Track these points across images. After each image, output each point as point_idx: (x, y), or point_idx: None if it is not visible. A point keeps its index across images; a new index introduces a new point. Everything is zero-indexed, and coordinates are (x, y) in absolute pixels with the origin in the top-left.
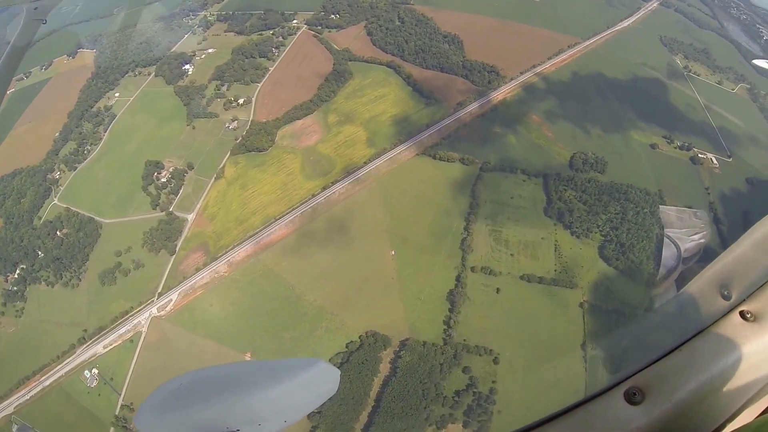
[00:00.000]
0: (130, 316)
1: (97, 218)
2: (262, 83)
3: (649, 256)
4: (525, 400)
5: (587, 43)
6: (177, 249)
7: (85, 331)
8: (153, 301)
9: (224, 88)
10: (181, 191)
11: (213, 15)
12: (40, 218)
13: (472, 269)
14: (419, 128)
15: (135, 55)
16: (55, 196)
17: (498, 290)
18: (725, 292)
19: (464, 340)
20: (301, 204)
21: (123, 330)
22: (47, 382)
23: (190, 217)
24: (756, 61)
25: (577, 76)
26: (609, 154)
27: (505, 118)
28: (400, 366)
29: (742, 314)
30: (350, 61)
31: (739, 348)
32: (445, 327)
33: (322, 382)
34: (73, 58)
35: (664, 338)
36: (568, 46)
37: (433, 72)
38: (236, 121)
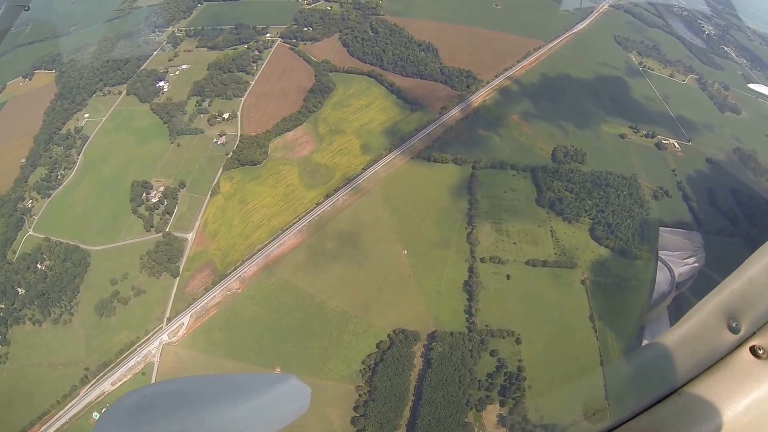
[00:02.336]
0: (138, 347)
1: (83, 246)
2: (245, 97)
3: (634, 233)
4: (550, 372)
5: (550, 45)
6: (180, 270)
7: (87, 369)
8: (162, 327)
9: (206, 104)
10: (176, 210)
11: (181, 31)
12: (14, 252)
13: (482, 260)
14: (409, 133)
15: (102, 73)
16: (30, 227)
17: (508, 277)
18: (733, 324)
19: (486, 325)
20: (307, 213)
21: (132, 363)
22: (51, 431)
23: (190, 236)
24: (752, 86)
25: (546, 78)
26: (585, 146)
27: (487, 119)
28: (434, 357)
29: (752, 350)
30: (331, 72)
31: (751, 391)
32: (467, 316)
33: (292, 399)
34: (30, 79)
35: (660, 379)
36: (534, 49)
37: (414, 79)
38: (224, 136)
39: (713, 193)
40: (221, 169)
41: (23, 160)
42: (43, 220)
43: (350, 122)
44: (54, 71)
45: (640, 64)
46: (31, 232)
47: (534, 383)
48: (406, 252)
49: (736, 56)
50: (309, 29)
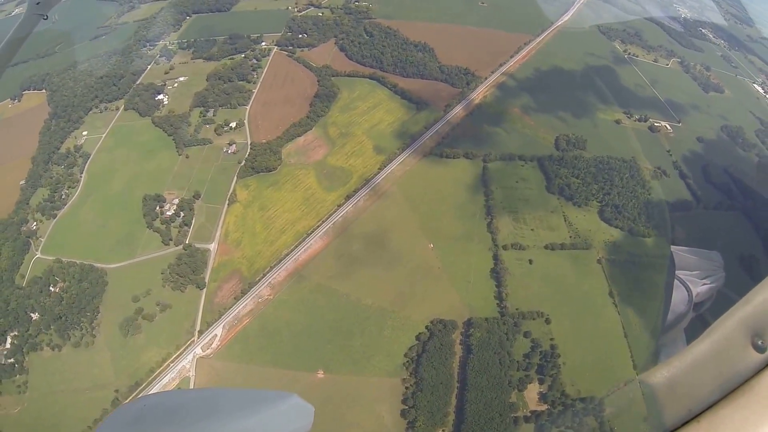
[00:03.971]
0: (170, 363)
1: (98, 265)
2: (249, 105)
3: (640, 212)
4: (581, 348)
5: (538, 39)
6: (207, 281)
7: (117, 391)
8: (194, 341)
9: (210, 114)
10: (193, 222)
11: (173, 44)
12: (23, 276)
13: (504, 247)
14: (419, 132)
15: (97, 90)
16: (37, 249)
17: (531, 261)
18: (759, 342)
19: (517, 308)
20: (330, 216)
21: (166, 379)
22: None
23: (212, 246)
24: None
25: (540, 71)
26: (584, 133)
27: (489, 114)
28: (473, 343)
29: None
30: (333, 76)
31: None
32: (498, 301)
33: (293, 418)
34: (19, 101)
35: (676, 404)
36: (524, 44)
37: (415, 80)
38: (234, 145)
39: (707, 169)
40: (235, 178)
41: (22, 182)
42: (51, 242)
43: (359, 124)
44: (44, 91)
45: (625, 51)
46: (39, 255)
47: (567, 359)
48: (432, 246)
49: (714, 37)
50: (304, 36)
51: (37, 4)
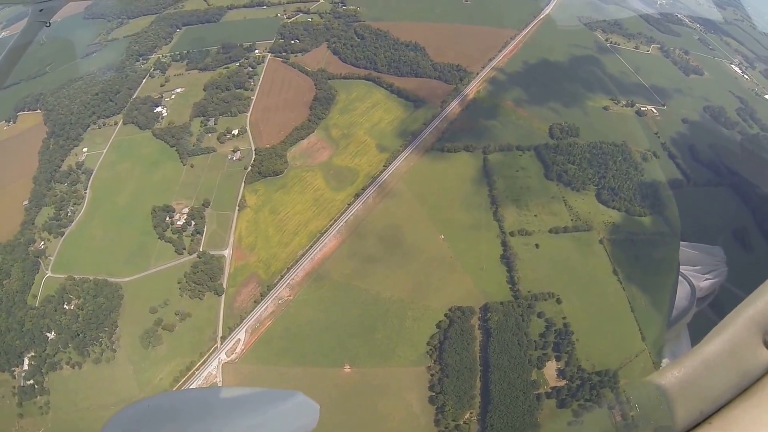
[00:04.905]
0: (195, 371)
1: (112, 279)
2: (249, 112)
3: (635, 193)
4: (592, 324)
5: (523, 33)
6: (225, 287)
7: None
8: (217, 347)
9: (211, 123)
10: (205, 229)
11: (166, 56)
12: (35, 296)
13: (511, 234)
14: (418, 129)
15: (93, 106)
16: (47, 268)
17: (537, 245)
18: None
19: (529, 291)
20: (341, 215)
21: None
22: None
23: (227, 252)
24: None
25: (528, 64)
26: (575, 121)
27: (484, 108)
28: (492, 326)
29: None
30: (329, 79)
31: None
32: (510, 285)
33: (299, 416)
34: (14, 122)
35: (686, 406)
36: (510, 38)
37: (409, 78)
38: (239, 152)
39: (694, 149)
40: (243, 184)
41: (26, 202)
42: (61, 260)
43: (360, 125)
44: (39, 111)
45: (607, 40)
46: (49, 274)
47: (580, 336)
48: (443, 237)
49: (690, 22)
50: (296, 42)
51: (40, 11)
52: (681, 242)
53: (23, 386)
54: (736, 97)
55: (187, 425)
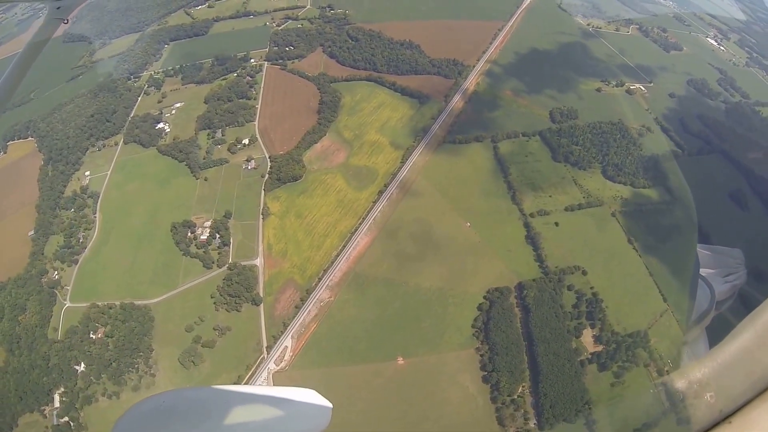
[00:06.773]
0: (244, 384)
1: (139, 302)
2: (257, 121)
3: (637, 167)
4: (617, 291)
5: (510, 23)
6: (262, 296)
7: None
8: (264, 357)
9: (219, 135)
10: (232, 241)
11: (159, 73)
12: (55, 329)
13: (531, 215)
14: (428, 124)
15: (90, 128)
16: (65, 299)
17: (557, 224)
18: None
19: (556, 266)
20: (368, 213)
21: None
22: None
23: (258, 261)
24: None
25: (519, 55)
26: (572, 104)
27: (485, 100)
28: (530, 303)
29: None
30: (332, 83)
31: None
32: (539, 263)
33: (312, 414)
34: (5, 152)
35: (706, 405)
36: (498, 30)
37: (410, 76)
38: (253, 160)
39: (684, 121)
40: (263, 191)
41: (31, 233)
42: (79, 288)
43: (370, 124)
44: (31, 138)
45: (588, 25)
46: (68, 304)
47: (609, 303)
48: (469, 224)
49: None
50: (291, 48)
51: (58, 8)
52: (699, 245)
53: (57, 425)
54: (715, 69)
55: (199, 422)
